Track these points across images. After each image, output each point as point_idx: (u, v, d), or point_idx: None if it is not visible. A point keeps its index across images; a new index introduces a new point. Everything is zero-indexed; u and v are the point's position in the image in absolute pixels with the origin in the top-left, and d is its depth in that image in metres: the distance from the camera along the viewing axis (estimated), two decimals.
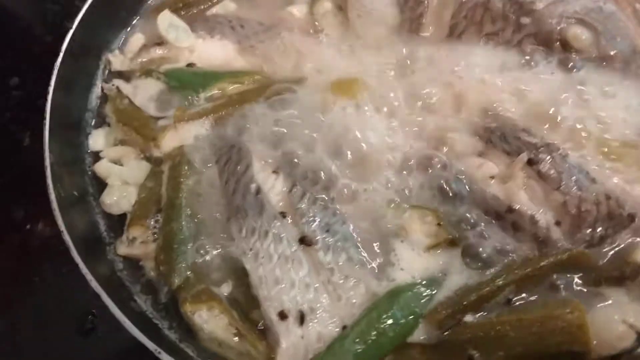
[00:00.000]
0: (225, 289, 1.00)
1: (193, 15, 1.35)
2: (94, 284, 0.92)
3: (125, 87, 1.26)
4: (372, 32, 1.27)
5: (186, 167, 1.12)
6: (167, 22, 1.29)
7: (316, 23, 1.31)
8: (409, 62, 1.20)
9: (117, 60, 1.31)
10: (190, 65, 1.27)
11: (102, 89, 1.28)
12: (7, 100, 1.51)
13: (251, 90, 1.22)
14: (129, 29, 1.36)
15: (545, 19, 1.14)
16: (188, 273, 1.02)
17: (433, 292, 0.96)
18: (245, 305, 0.98)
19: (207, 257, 1.03)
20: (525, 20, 1.15)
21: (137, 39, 1.33)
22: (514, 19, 1.16)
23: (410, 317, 0.93)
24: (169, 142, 1.16)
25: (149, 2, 1.39)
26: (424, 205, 1.03)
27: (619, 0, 1.19)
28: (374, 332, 0.92)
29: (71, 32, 1.23)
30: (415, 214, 1.02)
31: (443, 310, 0.93)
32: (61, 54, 1.20)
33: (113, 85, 1.26)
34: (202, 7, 1.37)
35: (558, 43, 1.13)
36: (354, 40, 1.27)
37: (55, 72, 1.18)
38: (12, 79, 1.54)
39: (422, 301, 0.95)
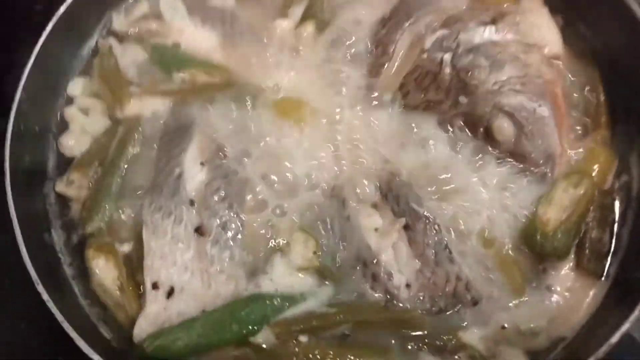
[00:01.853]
0: (126, 248, 1.19)
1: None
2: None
3: (117, 47, 1.43)
4: (338, 65, 1.39)
5: (136, 136, 1.29)
6: (170, 2, 1.45)
7: (294, 41, 1.43)
8: (358, 107, 1.33)
9: (118, 20, 1.47)
10: (175, 45, 1.43)
11: (97, 43, 1.45)
12: None
13: (217, 84, 1.36)
14: None
15: (480, 103, 1.24)
16: (102, 224, 1.20)
17: (286, 307, 1.12)
18: (136, 267, 1.16)
19: (123, 216, 1.22)
20: (463, 99, 1.25)
21: (141, 7, 1.49)
22: (454, 94, 1.26)
23: (258, 321, 1.10)
24: (131, 108, 1.33)
25: None
26: (310, 232, 1.18)
27: (559, 105, 1.27)
28: (224, 323, 1.09)
29: None
30: (300, 237, 1.17)
31: (285, 325, 1.10)
32: None
33: (108, 42, 1.43)
34: None
35: (482, 129, 1.24)
36: (322, 66, 1.40)
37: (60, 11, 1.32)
38: None
39: (273, 311, 1.11)
